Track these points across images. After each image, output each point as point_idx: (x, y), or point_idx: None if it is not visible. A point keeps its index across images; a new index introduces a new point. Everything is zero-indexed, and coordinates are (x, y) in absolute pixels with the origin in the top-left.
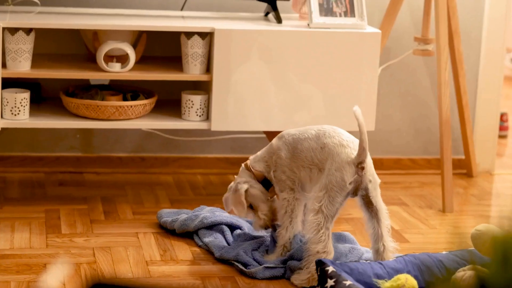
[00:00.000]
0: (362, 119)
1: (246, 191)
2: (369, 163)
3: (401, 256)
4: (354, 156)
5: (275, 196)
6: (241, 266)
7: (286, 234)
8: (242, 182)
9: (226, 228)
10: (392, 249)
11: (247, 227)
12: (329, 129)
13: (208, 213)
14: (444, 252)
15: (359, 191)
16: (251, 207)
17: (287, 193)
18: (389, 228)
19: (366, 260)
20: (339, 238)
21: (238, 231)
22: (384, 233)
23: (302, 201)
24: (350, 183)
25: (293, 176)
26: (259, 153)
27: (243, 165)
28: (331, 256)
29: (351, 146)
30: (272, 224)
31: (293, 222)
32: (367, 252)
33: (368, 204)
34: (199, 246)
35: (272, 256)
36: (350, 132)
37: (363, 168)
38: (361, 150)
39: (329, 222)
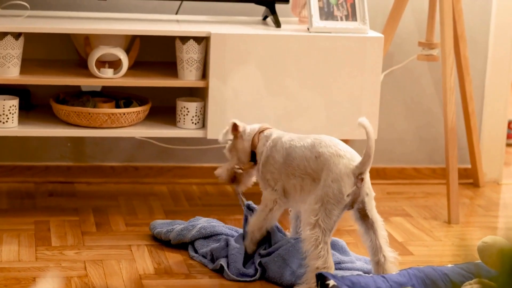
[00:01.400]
0: (370, 127)
1: (236, 125)
2: (367, 175)
3: (405, 270)
4: (352, 166)
5: (240, 169)
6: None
7: (255, 224)
8: (243, 125)
9: (229, 237)
10: (393, 260)
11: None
12: (325, 139)
13: (206, 223)
14: (449, 265)
15: (356, 204)
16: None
17: (269, 192)
18: (387, 239)
19: (366, 273)
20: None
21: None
22: (382, 244)
23: (283, 206)
24: (348, 195)
25: (278, 179)
26: (274, 132)
27: (262, 125)
28: (331, 271)
29: (348, 156)
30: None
31: (267, 219)
32: (358, 260)
33: (364, 217)
34: (193, 258)
35: (245, 242)
36: (351, 140)
37: (362, 180)
38: (367, 157)
39: (327, 236)
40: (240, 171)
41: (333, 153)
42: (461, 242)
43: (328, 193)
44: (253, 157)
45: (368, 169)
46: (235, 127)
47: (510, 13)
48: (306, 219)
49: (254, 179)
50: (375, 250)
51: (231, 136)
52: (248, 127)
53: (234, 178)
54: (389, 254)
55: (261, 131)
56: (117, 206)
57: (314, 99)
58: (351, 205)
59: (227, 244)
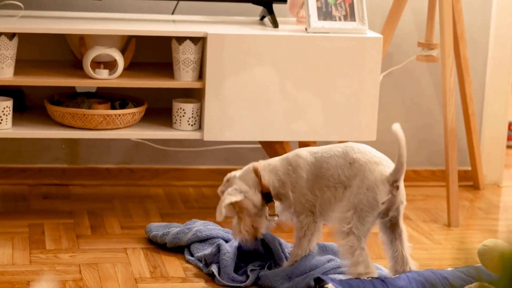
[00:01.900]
0: (402, 134)
1: (235, 202)
2: (402, 182)
3: (404, 273)
4: (387, 174)
5: (274, 216)
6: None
7: (302, 253)
8: (238, 191)
9: (222, 242)
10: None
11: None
12: (357, 145)
13: (202, 226)
14: (449, 269)
15: (391, 212)
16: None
17: (306, 216)
18: (410, 250)
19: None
20: (323, 249)
21: (235, 243)
22: (408, 255)
23: (320, 225)
24: (383, 203)
25: (314, 200)
26: (271, 162)
27: (251, 166)
28: (374, 275)
29: (384, 163)
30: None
31: (310, 244)
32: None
33: (393, 226)
34: (188, 262)
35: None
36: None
37: (397, 187)
38: (400, 165)
39: (362, 243)
40: (277, 217)
41: (369, 159)
42: (461, 245)
43: (362, 201)
44: (268, 198)
45: (402, 177)
46: (232, 204)
47: (510, 13)
48: (338, 229)
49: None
50: (400, 261)
51: (234, 220)
52: (242, 186)
53: (257, 231)
54: (414, 267)
55: (255, 171)
56: (112, 208)
57: (312, 100)
58: (386, 214)
59: (218, 250)
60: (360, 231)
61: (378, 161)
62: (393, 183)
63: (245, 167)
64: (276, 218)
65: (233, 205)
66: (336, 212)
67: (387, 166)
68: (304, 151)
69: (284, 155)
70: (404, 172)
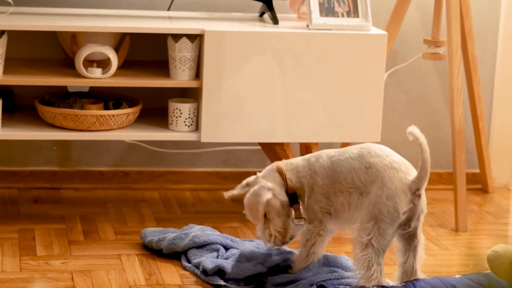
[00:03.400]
0: (423, 137)
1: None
2: (423, 190)
3: (410, 281)
4: (409, 181)
5: (301, 220)
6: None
7: (299, 265)
8: (267, 189)
9: (220, 247)
10: None
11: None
12: (374, 147)
13: (199, 231)
14: (457, 276)
15: (413, 222)
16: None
17: (314, 225)
18: (423, 261)
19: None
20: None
21: (233, 250)
22: (418, 268)
23: (326, 238)
24: (403, 213)
25: (328, 207)
26: (293, 162)
27: (274, 165)
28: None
29: (404, 169)
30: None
31: (310, 256)
32: (352, 278)
33: (411, 236)
34: (185, 268)
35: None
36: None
37: (419, 196)
38: (424, 172)
39: (380, 257)
40: (303, 220)
41: (387, 165)
42: (469, 251)
43: (382, 211)
44: (293, 199)
45: (425, 185)
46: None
47: None
48: (357, 239)
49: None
50: (409, 273)
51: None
52: (269, 184)
53: (289, 233)
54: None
55: (280, 171)
56: (105, 213)
57: (314, 100)
58: (407, 224)
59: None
60: (379, 244)
61: (397, 167)
62: (415, 192)
63: (267, 167)
64: (302, 221)
65: (263, 208)
66: (354, 221)
67: (407, 172)
68: (324, 154)
69: (307, 156)
70: (427, 180)
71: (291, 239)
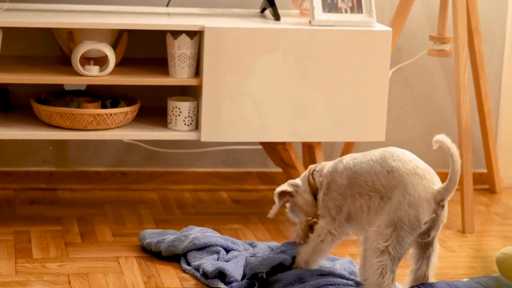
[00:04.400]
0: (454, 147)
1: (284, 192)
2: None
3: (416, 286)
4: (433, 191)
5: (312, 219)
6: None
7: (302, 256)
8: (289, 184)
9: (221, 249)
10: None
11: (244, 250)
12: (397, 151)
13: (199, 233)
14: (465, 279)
15: (432, 232)
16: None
17: (326, 222)
18: (436, 267)
19: None
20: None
21: (235, 253)
22: (431, 275)
23: (337, 239)
24: (425, 223)
25: (342, 206)
26: (324, 163)
27: (312, 166)
28: None
29: (428, 177)
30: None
31: (315, 251)
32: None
33: (428, 245)
34: (185, 271)
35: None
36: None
37: (443, 207)
38: (452, 184)
39: (395, 265)
40: (316, 220)
41: (410, 170)
42: (477, 253)
43: (403, 219)
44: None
45: (451, 196)
46: (282, 194)
47: None
48: (374, 244)
49: None
50: (420, 280)
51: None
52: (299, 180)
53: (309, 231)
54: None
55: (311, 172)
56: (103, 214)
57: (317, 98)
58: (427, 234)
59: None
60: (396, 252)
61: (421, 174)
62: (439, 202)
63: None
64: (315, 219)
65: (291, 203)
66: (374, 225)
67: (431, 180)
68: (348, 157)
69: (336, 160)
70: (454, 191)
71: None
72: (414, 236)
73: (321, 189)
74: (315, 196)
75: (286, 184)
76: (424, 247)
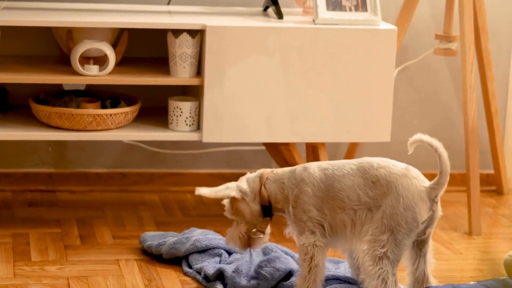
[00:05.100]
0: (433, 140)
1: (233, 199)
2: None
3: None
4: (424, 188)
5: (259, 233)
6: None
7: (304, 284)
8: (238, 189)
9: (223, 252)
10: None
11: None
12: (373, 160)
13: (201, 235)
14: (472, 283)
15: (429, 229)
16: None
17: (306, 237)
18: (433, 266)
19: None
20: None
21: (237, 255)
22: (429, 273)
23: (325, 248)
24: (422, 223)
25: (320, 218)
26: (280, 172)
27: (261, 171)
28: None
29: (415, 175)
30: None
31: (312, 271)
32: None
33: (423, 242)
34: (186, 274)
35: None
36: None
37: (437, 202)
38: (444, 177)
39: (395, 268)
40: (262, 235)
41: (397, 173)
42: (484, 255)
43: (400, 222)
44: (266, 211)
45: (443, 191)
46: (233, 200)
47: None
48: (370, 252)
49: (269, 233)
50: (421, 280)
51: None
52: (244, 186)
53: (250, 242)
54: (433, 285)
55: (261, 178)
56: (103, 216)
57: (321, 98)
58: (423, 232)
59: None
60: (395, 255)
61: (408, 174)
62: (433, 199)
63: (258, 170)
64: (261, 235)
65: (231, 205)
66: (365, 235)
67: (419, 178)
68: (312, 165)
69: (293, 167)
70: (447, 184)
71: (249, 248)
72: (412, 237)
73: (289, 203)
74: (263, 207)
75: (234, 187)
76: (420, 245)
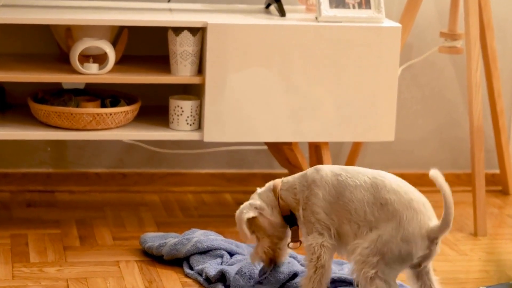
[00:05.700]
0: (446, 185)
1: (252, 218)
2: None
3: None
4: (427, 226)
5: (297, 244)
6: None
7: (309, 284)
8: (253, 207)
9: (224, 253)
10: None
11: (248, 253)
12: (390, 180)
13: (202, 236)
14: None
15: (425, 262)
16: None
17: (314, 237)
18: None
19: None
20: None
21: (239, 257)
22: (437, 286)
23: (332, 250)
24: (418, 258)
25: (328, 222)
26: (290, 179)
27: (272, 184)
28: None
29: (423, 210)
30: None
31: (318, 272)
32: None
33: (420, 275)
34: (187, 275)
35: None
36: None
37: (437, 243)
38: (445, 224)
39: (392, 285)
40: (298, 244)
41: (406, 204)
42: (489, 256)
43: (394, 251)
44: (290, 221)
45: (444, 236)
46: (248, 221)
47: None
48: (361, 274)
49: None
50: None
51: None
52: (258, 202)
53: (275, 255)
54: None
55: (274, 189)
56: (103, 217)
57: (324, 97)
58: (418, 265)
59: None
60: (387, 275)
61: (416, 207)
62: (433, 240)
63: (266, 184)
64: (298, 245)
65: (249, 223)
66: (355, 253)
67: (426, 214)
68: (325, 168)
69: (304, 171)
70: (448, 231)
71: (275, 264)
72: (404, 267)
73: (300, 205)
74: (284, 217)
75: (248, 207)
76: (418, 278)
